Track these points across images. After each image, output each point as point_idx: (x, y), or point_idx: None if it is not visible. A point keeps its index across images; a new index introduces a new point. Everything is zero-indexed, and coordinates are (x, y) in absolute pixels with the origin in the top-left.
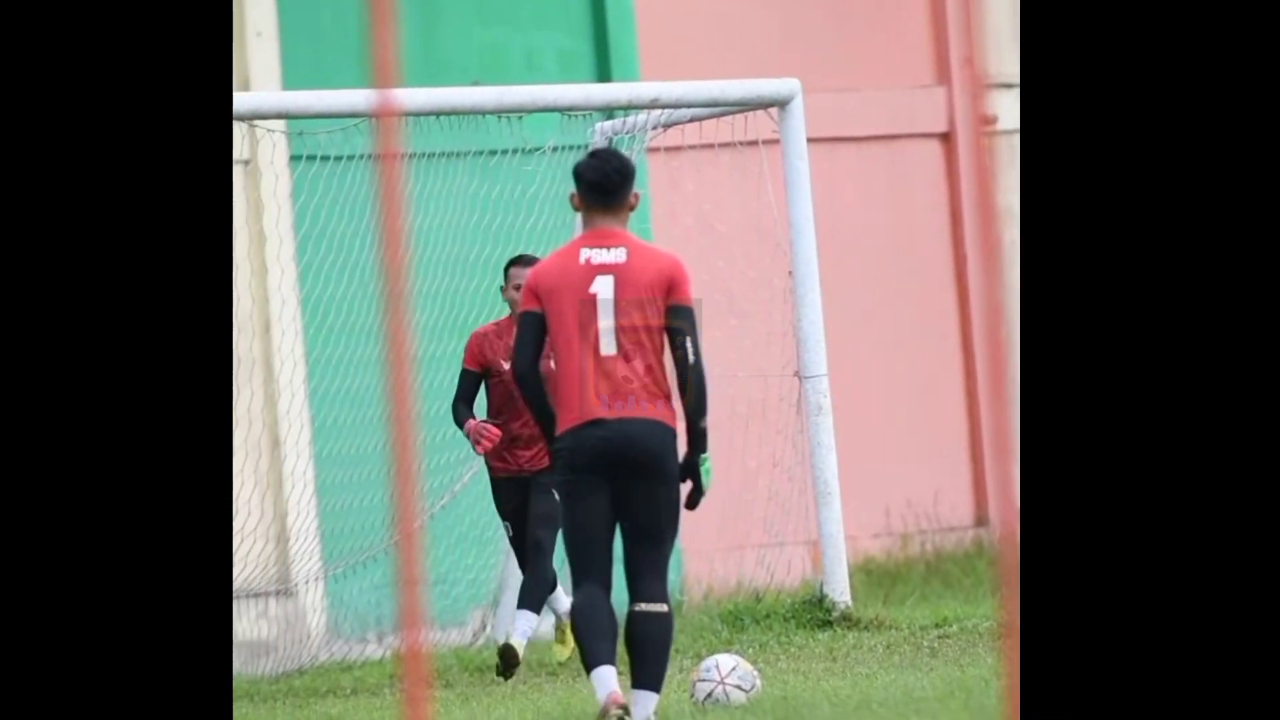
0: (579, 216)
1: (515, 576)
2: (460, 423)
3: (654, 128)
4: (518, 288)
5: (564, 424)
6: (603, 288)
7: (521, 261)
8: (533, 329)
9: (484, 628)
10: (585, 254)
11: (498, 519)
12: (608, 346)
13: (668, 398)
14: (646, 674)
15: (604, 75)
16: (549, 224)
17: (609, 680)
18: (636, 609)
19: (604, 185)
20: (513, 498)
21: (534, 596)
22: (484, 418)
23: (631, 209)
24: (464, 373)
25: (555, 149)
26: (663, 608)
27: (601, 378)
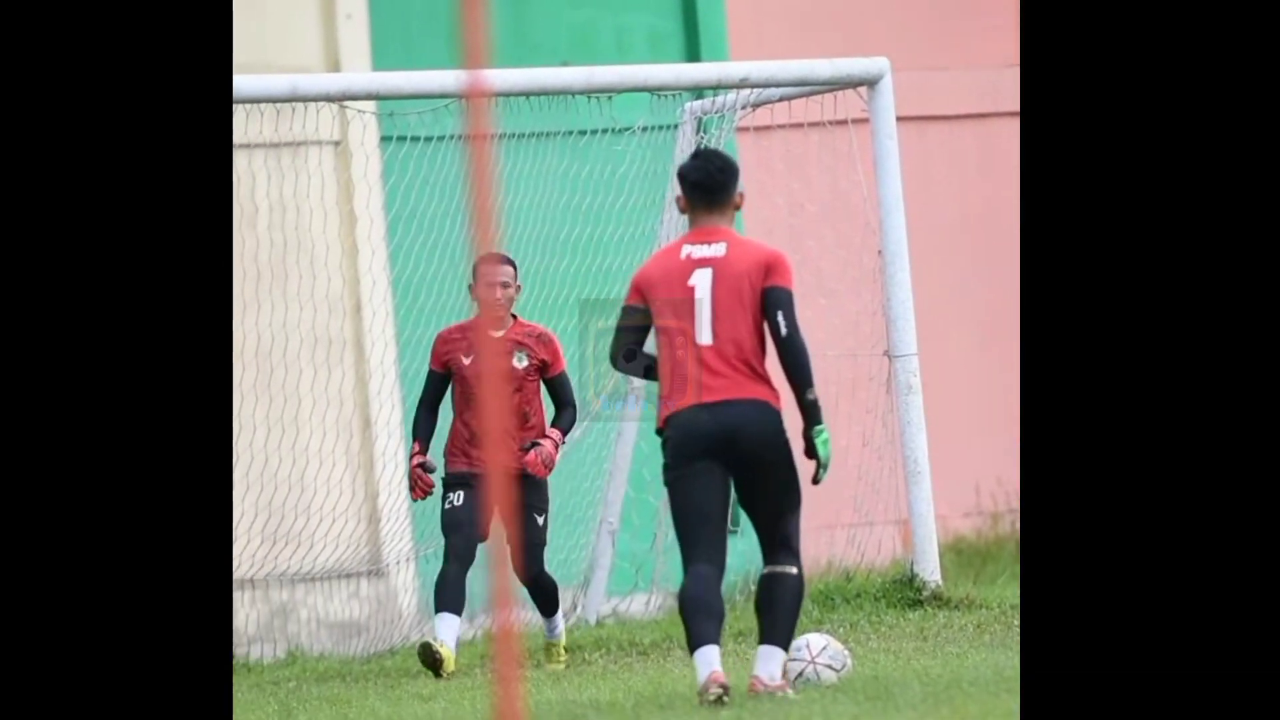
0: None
1: (606, 555)
2: (415, 431)
3: (743, 107)
4: (489, 285)
5: (666, 412)
6: (701, 280)
7: (490, 259)
8: (630, 322)
9: (574, 608)
10: (686, 250)
11: (589, 498)
12: (704, 336)
13: (767, 380)
14: (774, 631)
15: (693, 55)
16: (638, 203)
17: (712, 659)
18: (766, 571)
19: (707, 185)
20: (468, 485)
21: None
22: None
23: (737, 208)
24: (429, 374)
25: (644, 129)
26: (792, 569)
27: (701, 367)
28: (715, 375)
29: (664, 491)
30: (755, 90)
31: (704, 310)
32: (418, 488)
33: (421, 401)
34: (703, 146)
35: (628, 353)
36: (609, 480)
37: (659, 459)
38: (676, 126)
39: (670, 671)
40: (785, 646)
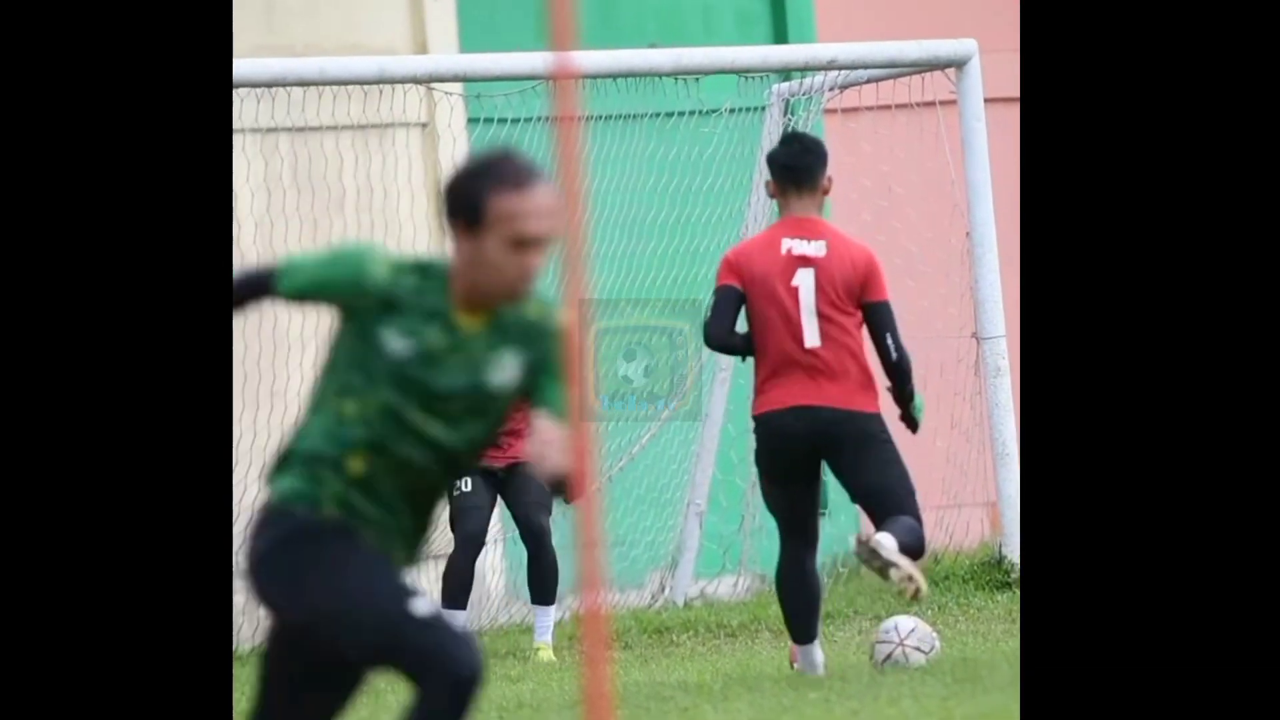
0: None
1: (693, 538)
2: None
3: (831, 89)
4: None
5: (763, 406)
6: (804, 282)
7: None
8: (730, 303)
9: (662, 590)
10: (787, 244)
11: (676, 480)
12: (811, 338)
13: (865, 386)
14: (897, 530)
15: (781, 37)
16: (725, 185)
17: (818, 662)
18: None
19: (797, 169)
20: (480, 474)
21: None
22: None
23: (825, 192)
24: None
25: (732, 111)
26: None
27: (803, 369)
28: (817, 379)
29: (751, 473)
30: (843, 72)
31: (810, 314)
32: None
33: None
34: (791, 130)
35: (730, 331)
36: (696, 463)
37: (746, 442)
38: (764, 108)
39: (758, 653)
40: (902, 540)
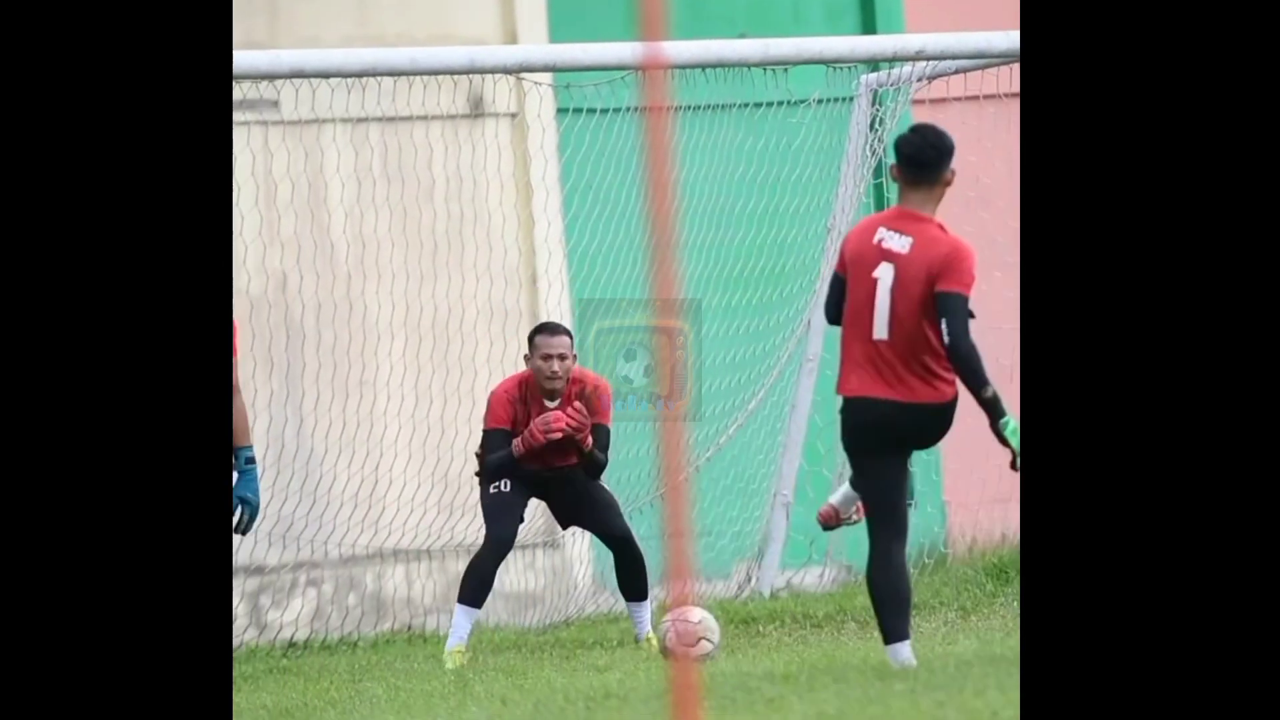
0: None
1: (780, 528)
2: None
3: (919, 80)
4: (545, 357)
5: (844, 389)
6: (884, 275)
7: (545, 330)
8: (834, 288)
9: (749, 580)
10: (880, 234)
11: (763, 471)
12: (881, 331)
13: (941, 377)
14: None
15: (869, 27)
16: (813, 176)
17: (908, 657)
18: None
19: (917, 159)
20: (520, 478)
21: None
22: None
23: (947, 185)
24: (490, 433)
25: (820, 101)
26: None
27: (873, 360)
28: (884, 372)
29: (838, 464)
30: (931, 62)
31: (883, 306)
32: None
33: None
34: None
35: (834, 317)
36: (783, 453)
37: (833, 432)
38: (852, 99)
39: (844, 644)
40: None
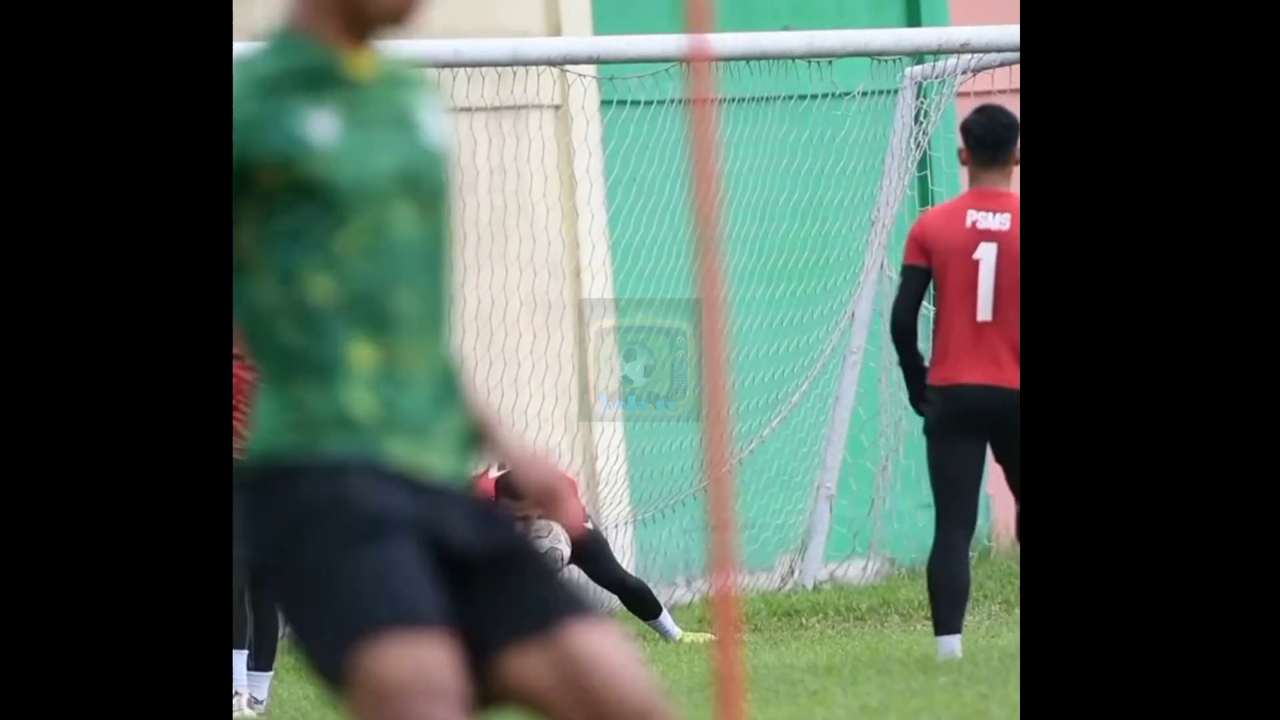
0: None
1: (823, 521)
2: None
3: (964, 72)
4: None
5: (937, 377)
6: (986, 255)
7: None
8: (917, 283)
9: (792, 573)
10: (972, 216)
11: (806, 463)
12: (984, 312)
13: None
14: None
15: (914, 20)
16: (857, 168)
17: (955, 649)
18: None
19: (990, 140)
20: None
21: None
22: None
23: (1017, 163)
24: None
25: (865, 94)
26: None
27: (976, 344)
28: (989, 355)
29: (882, 456)
30: (976, 55)
31: (986, 287)
32: None
33: None
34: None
35: (912, 312)
36: (826, 445)
37: (877, 425)
38: (896, 92)
39: (887, 637)
40: None
